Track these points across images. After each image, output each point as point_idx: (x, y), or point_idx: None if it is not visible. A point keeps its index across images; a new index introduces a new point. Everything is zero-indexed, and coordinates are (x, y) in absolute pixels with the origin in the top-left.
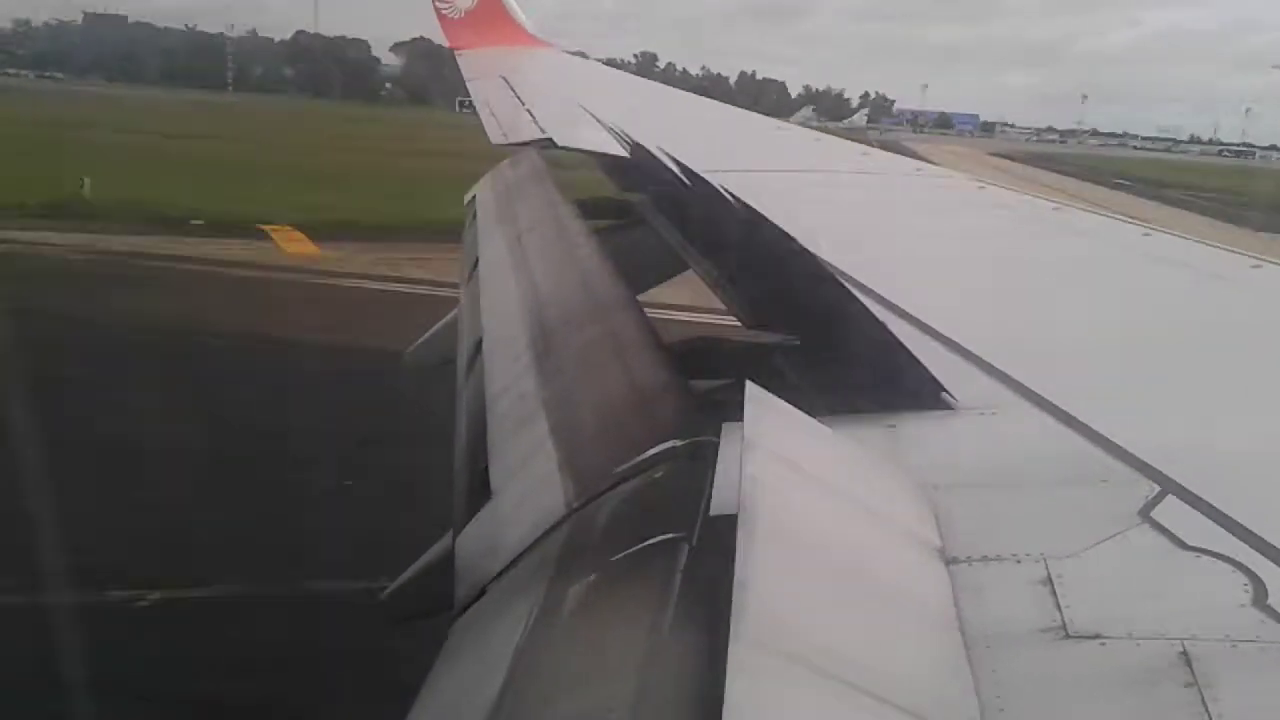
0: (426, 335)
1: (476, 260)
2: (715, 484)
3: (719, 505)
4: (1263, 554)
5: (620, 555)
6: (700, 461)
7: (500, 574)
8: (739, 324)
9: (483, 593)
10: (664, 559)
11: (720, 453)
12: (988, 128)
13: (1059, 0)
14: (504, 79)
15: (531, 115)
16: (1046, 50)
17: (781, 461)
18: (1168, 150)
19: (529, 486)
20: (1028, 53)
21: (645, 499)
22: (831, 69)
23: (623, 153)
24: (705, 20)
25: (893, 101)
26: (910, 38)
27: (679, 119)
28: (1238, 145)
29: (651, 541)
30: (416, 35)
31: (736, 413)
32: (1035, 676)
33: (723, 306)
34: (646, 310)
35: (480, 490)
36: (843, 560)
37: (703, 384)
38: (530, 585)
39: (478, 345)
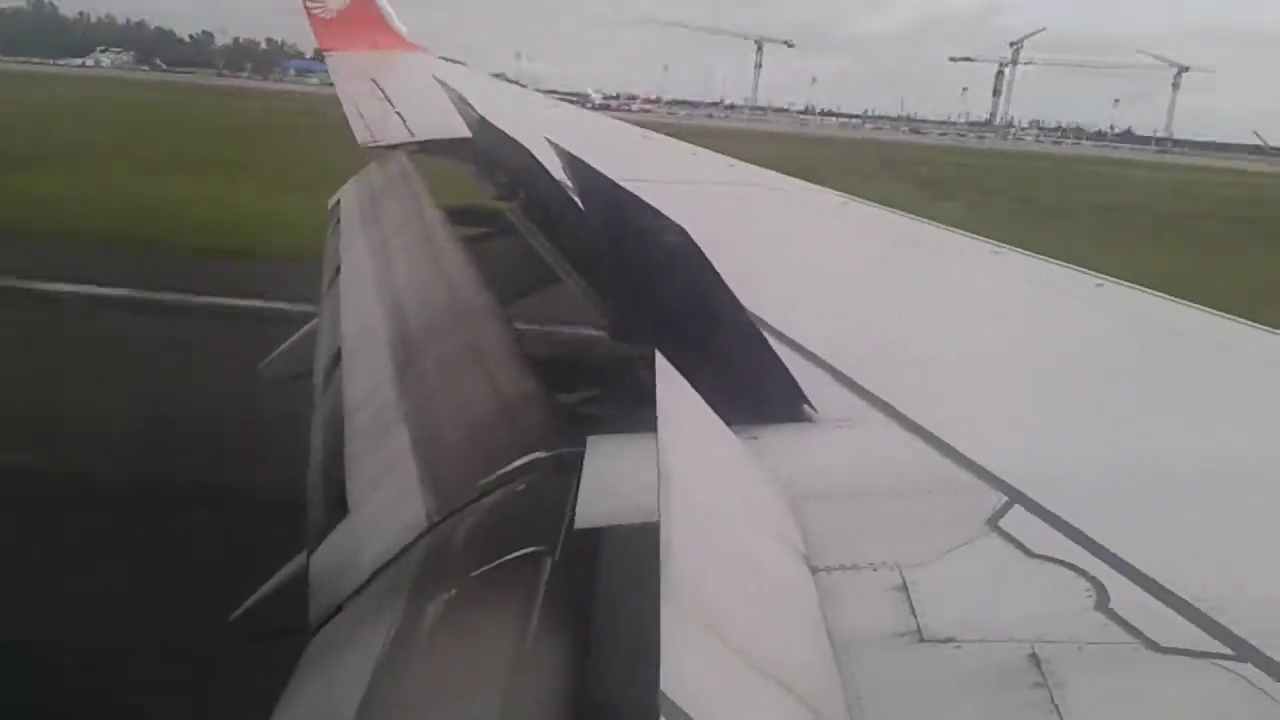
0: (283, 346)
1: (338, 268)
2: (580, 496)
3: (584, 518)
4: (1104, 561)
5: (481, 569)
6: (565, 474)
7: (358, 590)
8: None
9: (339, 609)
10: (526, 572)
11: (585, 465)
12: None
13: None
14: (374, 81)
15: (401, 118)
16: (817, 35)
17: (692, 442)
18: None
19: (388, 501)
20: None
21: (508, 512)
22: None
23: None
24: None
25: None
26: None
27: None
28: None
29: (514, 555)
30: None
31: (601, 426)
32: (894, 679)
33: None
34: (520, 321)
35: (336, 507)
36: (735, 558)
37: (569, 396)
38: (389, 600)
39: (336, 356)
